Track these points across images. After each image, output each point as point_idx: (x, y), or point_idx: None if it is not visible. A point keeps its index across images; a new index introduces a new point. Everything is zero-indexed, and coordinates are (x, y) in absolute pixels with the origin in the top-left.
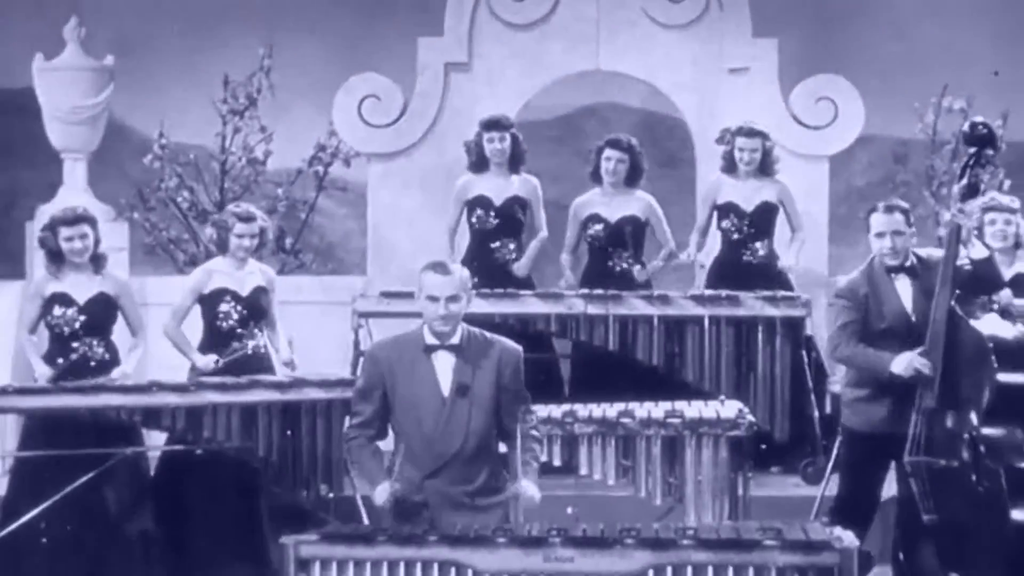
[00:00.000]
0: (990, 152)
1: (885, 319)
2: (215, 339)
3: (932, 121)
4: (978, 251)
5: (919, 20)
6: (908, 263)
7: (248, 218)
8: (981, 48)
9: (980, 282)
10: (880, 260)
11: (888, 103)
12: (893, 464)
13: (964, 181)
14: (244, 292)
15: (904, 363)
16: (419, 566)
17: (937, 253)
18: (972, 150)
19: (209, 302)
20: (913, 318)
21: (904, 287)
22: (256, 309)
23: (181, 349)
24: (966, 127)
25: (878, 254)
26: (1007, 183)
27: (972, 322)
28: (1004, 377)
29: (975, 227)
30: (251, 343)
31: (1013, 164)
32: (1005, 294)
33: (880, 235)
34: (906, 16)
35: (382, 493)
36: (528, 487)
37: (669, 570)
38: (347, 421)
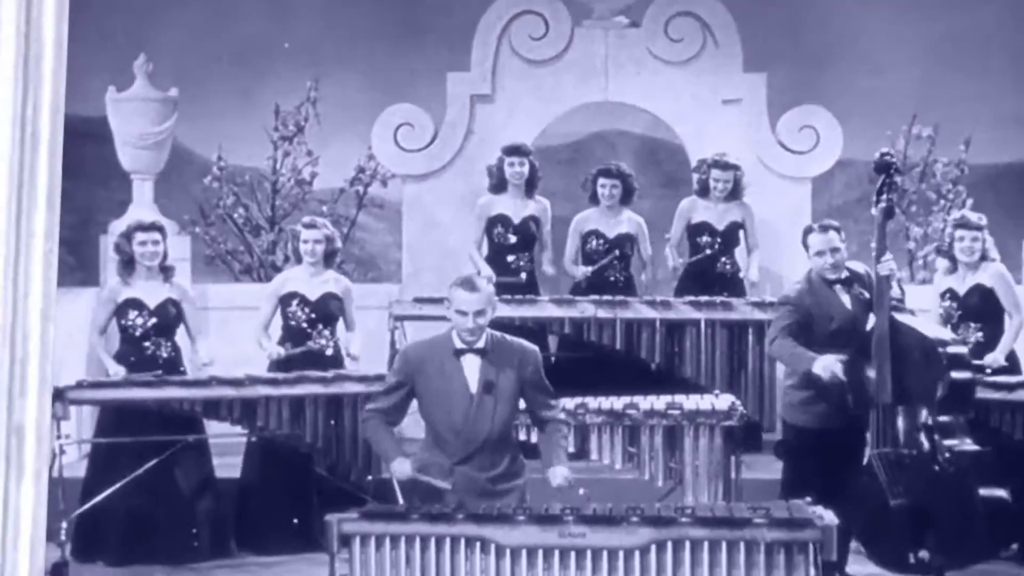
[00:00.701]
0: (897, 178)
1: (834, 321)
2: (288, 334)
3: (903, 147)
4: (885, 267)
5: (891, 58)
6: (844, 275)
7: (311, 225)
8: (946, 83)
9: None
10: (821, 274)
11: (864, 131)
12: (846, 457)
13: (882, 205)
14: (313, 297)
15: (823, 365)
16: (448, 541)
17: (862, 266)
18: (882, 177)
19: (283, 303)
20: (856, 319)
21: (844, 296)
22: (324, 312)
23: (263, 347)
24: (876, 156)
25: (820, 269)
26: (969, 201)
27: (912, 323)
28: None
29: (946, 242)
30: (313, 345)
31: (974, 184)
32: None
33: (820, 253)
34: (880, 54)
35: (401, 465)
36: (558, 471)
37: (669, 545)
38: (368, 403)
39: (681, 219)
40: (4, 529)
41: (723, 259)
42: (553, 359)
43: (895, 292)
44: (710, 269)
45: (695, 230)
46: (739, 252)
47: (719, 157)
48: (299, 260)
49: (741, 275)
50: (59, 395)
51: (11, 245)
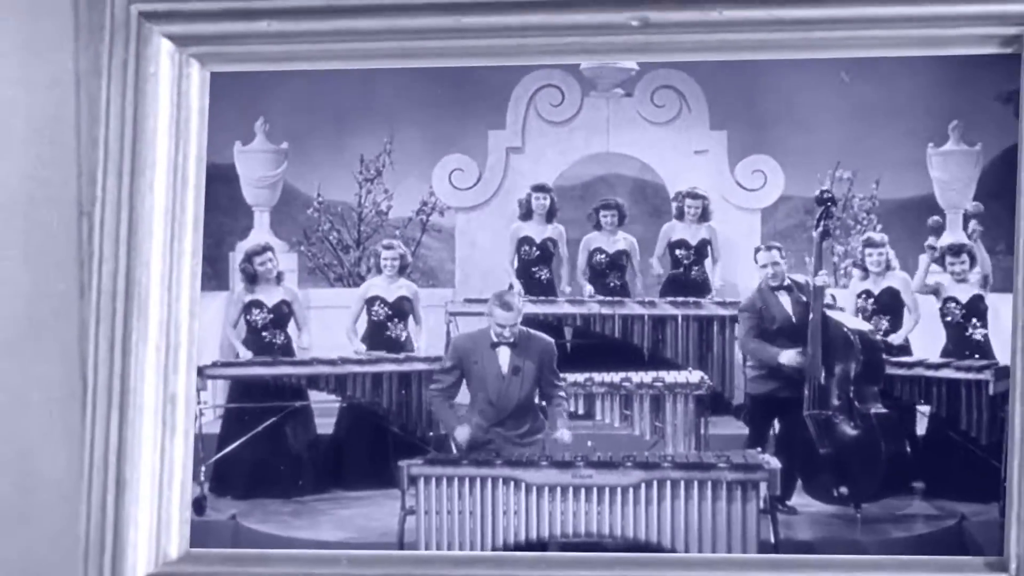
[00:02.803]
0: (833, 208)
1: (776, 322)
2: (371, 326)
3: (829, 185)
4: (820, 280)
5: (821, 119)
6: (786, 283)
7: (389, 247)
8: (862, 138)
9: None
10: (766, 283)
11: (800, 174)
12: (789, 418)
13: (820, 229)
14: (390, 299)
15: (787, 357)
16: (489, 480)
17: (802, 277)
18: (821, 208)
19: (368, 304)
20: (793, 320)
21: (785, 300)
22: (398, 310)
23: (351, 340)
24: (816, 192)
25: (765, 279)
26: (879, 226)
27: (837, 317)
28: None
29: (860, 257)
30: (398, 331)
31: (883, 214)
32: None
33: (765, 266)
34: (812, 116)
35: (463, 433)
36: (563, 432)
37: (655, 483)
38: (430, 385)
39: (664, 238)
40: (161, 474)
41: (695, 269)
42: (569, 345)
43: (827, 300)
44: (686, 277)
45: (674, 245)
46: (708, 263)
47: (691, 190)
48: (379, 271)
49: (711, 283)
50: (200, 372)
51: (166, 261)
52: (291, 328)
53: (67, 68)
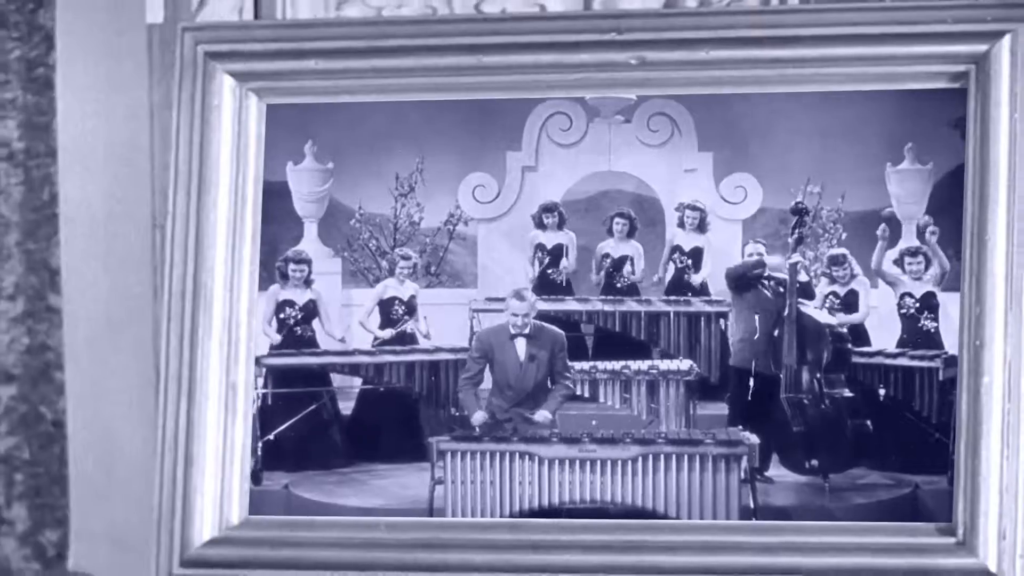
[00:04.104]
0: (806, 219)
1: (757, 303)
2: (387, 322)
3: (802, 199)
4: (802, 276)
5: (793, 141)
6: (766, 273)
7: (406, 257)
8: (829, 157)
9: (804, 293)
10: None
11: (775, 189)
12: (767, 401)
13: (795, 236)
14: (405, 297)
15: (771, 262)
16: (507, 454)
17: (781, 274)
18: (795, 218)
19: (384, 304)
20: (772, 301)
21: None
22: (411, 307)
23: (368, 329)
24: (791, 204)
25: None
26: (844, 235)
27: (809, 312)
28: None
29: (825, 269)
30: (406, 325)
31: (848, 223)
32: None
33: (751, 255)
34: (786, 138)
35: (479, 417)
36: (541, 413)
37: (650, 457)
38: (461, 374)
39: (668, 245)
40: (224, 451)
41: (687, 272)
42: (588, 339)
43: (803, 277)
44: (681, 280)
45: (673, 251)
46: (704, 267)
47: (692, 202)
48: (392, 274)
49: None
50: (257, 362)
51: (228, 267)
52: (314, 323)
53: (142, 102)
